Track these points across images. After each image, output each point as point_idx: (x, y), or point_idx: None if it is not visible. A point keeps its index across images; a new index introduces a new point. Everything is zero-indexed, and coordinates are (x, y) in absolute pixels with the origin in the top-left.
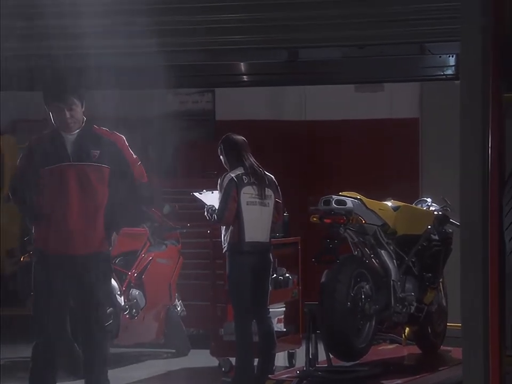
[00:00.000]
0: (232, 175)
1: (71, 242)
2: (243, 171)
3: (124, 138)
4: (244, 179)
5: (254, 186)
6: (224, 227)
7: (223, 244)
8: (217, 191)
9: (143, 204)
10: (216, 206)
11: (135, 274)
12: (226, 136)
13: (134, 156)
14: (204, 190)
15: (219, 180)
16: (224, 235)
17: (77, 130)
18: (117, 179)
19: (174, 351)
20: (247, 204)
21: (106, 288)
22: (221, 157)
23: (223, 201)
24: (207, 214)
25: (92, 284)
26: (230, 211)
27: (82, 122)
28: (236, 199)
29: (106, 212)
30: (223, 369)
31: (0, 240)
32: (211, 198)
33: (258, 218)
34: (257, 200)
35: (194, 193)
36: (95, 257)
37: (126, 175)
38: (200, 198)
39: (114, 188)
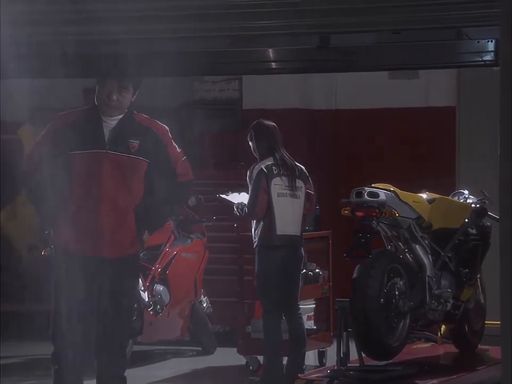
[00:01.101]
0: (262, 166)
1: (100, 243)
2: (273, 161)
3: (167, 129)
4: (274, 170)
5: (284, 177)
6: (254, 221)
7: (253, 238)
8: (244, 192)
9: (182, 203)
10: (245, 203)
11: (159, 269)
12: (258, 122)
13: (178, 150)
14: (230, 192)
15: (248, 171)
16: (255, 229)
17: (118, 116)
18: (155, 175)
19: (199, 349)
20: (278, 196)
21: (134, 294)
22: (250, 143)
23: (253, 193)
24: (237, 211)
25: (120, 291)
26: (261, 203)
27: (125, 110)
28: (267, 190)
29: (138, 210)
30: (250, 367)
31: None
32: (239, 199)
33: (289, 211)
34: (288, 191)
35: (220, 195)
36: (125, 261)
37: (166, 171)
38: (228, 199)
39: (150, 185)
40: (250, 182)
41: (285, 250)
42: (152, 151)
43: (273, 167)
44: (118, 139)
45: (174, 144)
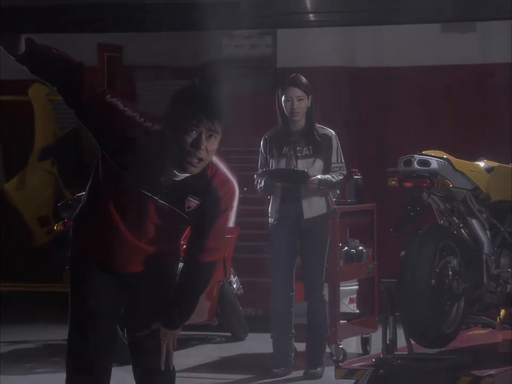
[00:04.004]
0: None
1: (134, 258)
2: None
3: (236, 193)
4: None
5: None
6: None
7: (330, 206)
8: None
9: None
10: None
11: (185, 246)
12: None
13: (230, 225)
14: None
15: (333, 137)
16: (328, 198)
17: (195, 171)
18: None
19: (229, 334)
20: None
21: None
22: (308, 102)
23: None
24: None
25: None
26: None
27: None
28: None
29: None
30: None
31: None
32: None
33: None
34: None
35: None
36: (162, 272)
37: (198, 242)
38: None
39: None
40: (337, 147)
41: None
42: (204, 214)
43: None
44: (178, 193)
45: (232, 215)
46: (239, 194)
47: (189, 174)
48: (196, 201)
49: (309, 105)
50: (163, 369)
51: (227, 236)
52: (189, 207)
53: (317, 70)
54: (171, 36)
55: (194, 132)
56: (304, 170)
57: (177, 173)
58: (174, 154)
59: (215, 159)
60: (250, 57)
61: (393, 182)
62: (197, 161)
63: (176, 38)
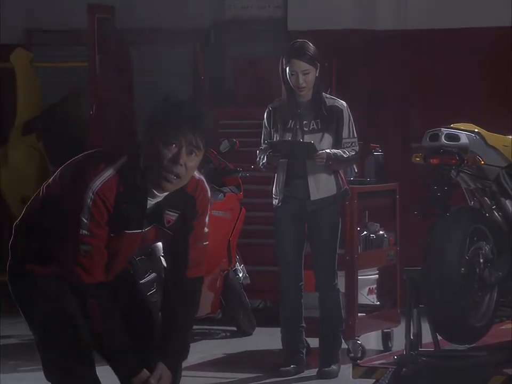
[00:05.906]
0: None
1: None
2: None
3: (208, 198)
4: None
5: None
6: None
7: (343, 186)
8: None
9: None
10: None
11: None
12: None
13: (205, 230)
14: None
15: (345, 109)
16: (342, 177)
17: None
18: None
19: (234, 329)
20: None
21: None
22: (315, 71)
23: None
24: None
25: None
26: None
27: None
28: None
29: None
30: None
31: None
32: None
33: None
34: None
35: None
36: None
37: (181, 256)
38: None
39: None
40: (350, 119)
41: None
42: (183, 224)
43: None
44: (157, 212)
45: (207, 218)
46: (246, 173)
47: (166, 193)
48: (175, 213)
49: (317, 75)
50: None
51: (204, 244)
52: (168, 222)
53: (332, 33)
54: None
55: (174, 145)
56: (311, 142)
57: (156, 193)
58: (152, 171)
59: None
60: (257, 19)
61: (418, 159)
62: (174, 177)
63: None
